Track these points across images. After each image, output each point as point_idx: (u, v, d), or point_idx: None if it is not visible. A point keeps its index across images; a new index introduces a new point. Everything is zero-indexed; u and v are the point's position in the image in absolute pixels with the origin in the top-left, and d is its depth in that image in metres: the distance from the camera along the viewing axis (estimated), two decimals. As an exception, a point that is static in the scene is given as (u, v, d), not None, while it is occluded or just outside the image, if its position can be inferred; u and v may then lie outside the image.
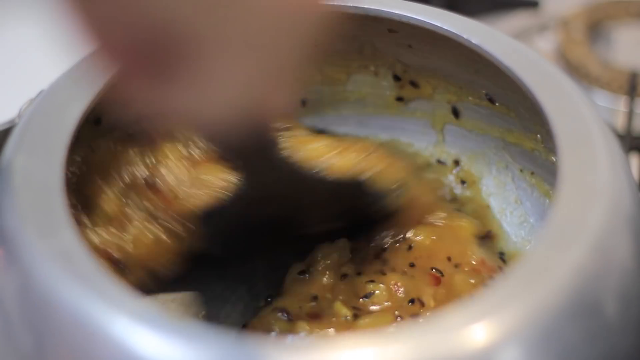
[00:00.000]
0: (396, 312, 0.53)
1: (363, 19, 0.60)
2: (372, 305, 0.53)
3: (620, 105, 0.82)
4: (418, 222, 0.57)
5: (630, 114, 0.78)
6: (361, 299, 0.54)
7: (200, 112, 0.38)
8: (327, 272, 0.55)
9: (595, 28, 0.91)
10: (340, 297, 0.54)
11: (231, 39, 0.36)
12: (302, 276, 0.56)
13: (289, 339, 0.50)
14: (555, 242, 0.45)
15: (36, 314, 0.44)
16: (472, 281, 0.54)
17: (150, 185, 0.54)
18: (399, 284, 0.54)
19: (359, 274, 0.56)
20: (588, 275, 0.44)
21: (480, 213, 0.62)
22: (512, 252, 0.60)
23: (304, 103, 0.66)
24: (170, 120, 0.44)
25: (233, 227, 0.53)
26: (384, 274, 0.55)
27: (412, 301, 0.53)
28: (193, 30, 0.35)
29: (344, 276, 0.55)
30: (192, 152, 0.55)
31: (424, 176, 0.64)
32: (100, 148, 0.56)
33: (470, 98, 0.62)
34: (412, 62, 0.63)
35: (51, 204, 0.46)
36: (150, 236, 0.53)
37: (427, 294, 0.53)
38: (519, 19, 0.92)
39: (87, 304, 0.42)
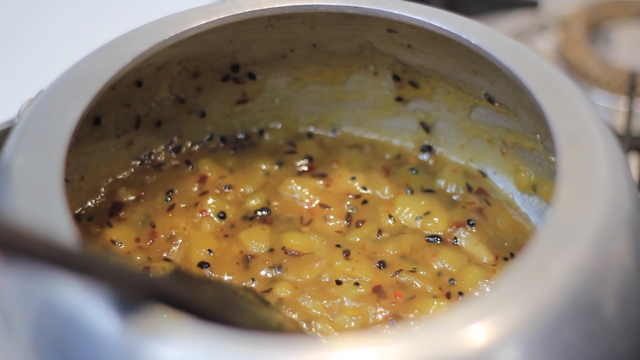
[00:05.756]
0: None
1: (363, 19, 0.60)
2: None
3: (619, 105, 0.82)
4: None
5: (629, 114, 0.78)
6: None
7: None
8: None
9: (595, 28, 0.91)
10: None
11: None
12: None
13: (289, 338, 0.50)
14: (554, 242, 0.45)
15: (36, 314, 0.44)
16: None
17: None
18: None
19: None
20: (587, 275, 0.44)
21: None
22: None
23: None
24: None
25: None
26: None
27: None
28: None
29: None
30: None
31: None
32: None
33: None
34: (411, 62, 0.63)
35: (51, 203, 0.46)
36: None
37: None
38: (518, 19, 0.92)
39: (86, 304, 0.42)
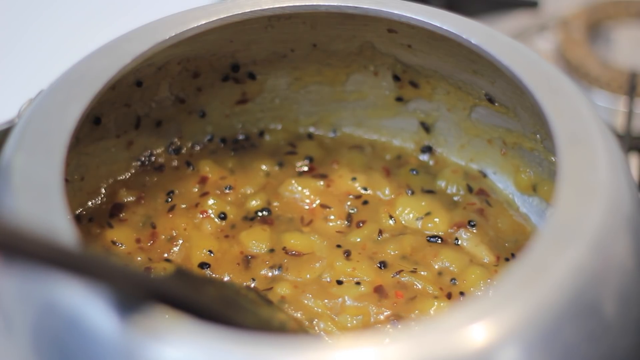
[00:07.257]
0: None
1: (363, 19, 0.60)
2: None
3: (619, 105, 0.82)
4: None
5: (629, 114, 0.78)
6: None
7: None
8: None
9: (595, 28, 0.91)
10: None
11: None
12: None
13: (290, 338, 0.50)
14: (554, 242, 0.45)
15: (36, 314, 0.44)
16: None
17: None
18: None
19: None
20: (587, 275, 0.44)
21: None
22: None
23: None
24: None
25: None
26: None
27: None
28: None
29: None
30: None
31: None
32: None
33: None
34: (411, 62, 0.63)
35: (51, 204, 0.46)
36: None
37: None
38: (518, 19, 0.92)
39: (86, 304, 0.42)
